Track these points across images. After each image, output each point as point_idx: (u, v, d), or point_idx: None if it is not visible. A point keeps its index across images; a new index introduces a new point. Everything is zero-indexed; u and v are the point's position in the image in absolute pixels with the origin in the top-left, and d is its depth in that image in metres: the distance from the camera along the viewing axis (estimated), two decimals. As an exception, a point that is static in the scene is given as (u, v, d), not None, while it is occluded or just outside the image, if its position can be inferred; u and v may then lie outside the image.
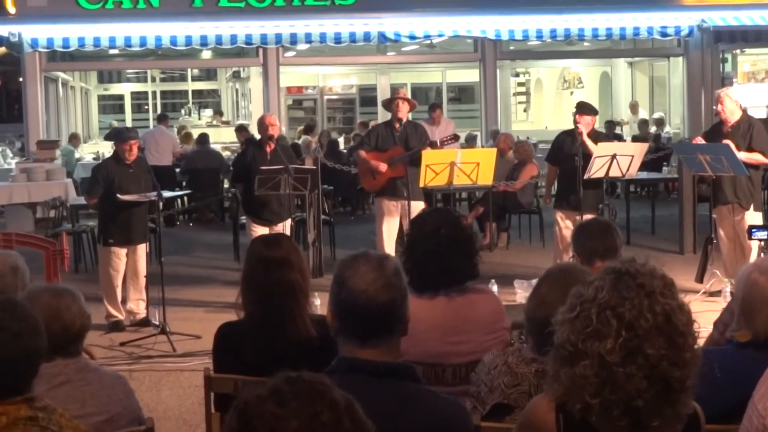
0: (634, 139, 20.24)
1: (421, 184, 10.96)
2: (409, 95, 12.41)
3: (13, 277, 4.69)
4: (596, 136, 11.58)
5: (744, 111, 11.17)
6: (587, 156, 11.10)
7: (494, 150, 12.08)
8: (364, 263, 3.28)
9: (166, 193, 11.07)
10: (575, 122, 11.47)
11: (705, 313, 7.60)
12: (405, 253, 4.78)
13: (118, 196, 10.33)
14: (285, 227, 11.28)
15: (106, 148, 22.25)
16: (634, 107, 25.19)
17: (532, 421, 2.99)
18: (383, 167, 11.32)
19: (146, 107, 30.78)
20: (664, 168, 17.94)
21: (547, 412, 2.91)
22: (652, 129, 22.58)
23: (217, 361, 4.75)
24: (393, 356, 3.30)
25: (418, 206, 11.25)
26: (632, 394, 2.67)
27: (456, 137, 12.77)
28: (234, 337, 4.70)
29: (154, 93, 30.81)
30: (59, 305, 3.94)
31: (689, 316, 2.77)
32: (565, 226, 11.45)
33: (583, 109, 11.73)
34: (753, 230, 8.91)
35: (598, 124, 24.00)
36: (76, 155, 21.58)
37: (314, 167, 12.39)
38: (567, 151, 11.55)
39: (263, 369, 4.36)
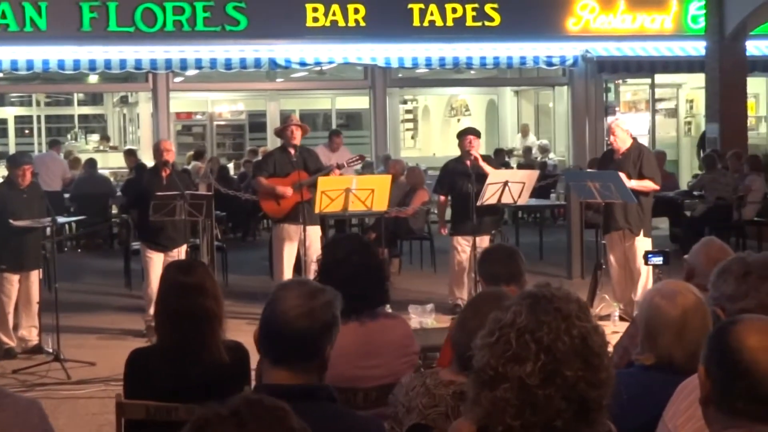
0: (520, 166, 20.59)
1: (317, 210, 11.05)
2: (298, 120, 12.53)
3: None
4: (486, 159, 11.82)
5: (634, 139, 11.57)
6: (482, 177, 11.31)
7: (389, 177, 12.22)
8: (296, 288, 3.42)
9: (61, 219, 10.97)
10: (466, 147, 11.63)
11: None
12: (317, 278, 4.87)
13: (11, 221, 10.21)
14: (180, 253, 11.26)
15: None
16: (524, 130, 25.58)
17: None
18: (289, 191, 11.38)
19: (30, 132, 30.25)
20: (552, 195, 18.28)
21: None
22: (538, 156, 22.99)
23: (129, 386, 4.76)
24: (308, 380, 3.39)
25: (314, 231, 11.35)
26: (552, 415, 2.76)
27: (362, 157, 12.95)
28: (146, 362, 4.73)
29: (38, 117, 30.31)
30: None
31: (603, 338, 2.89)
32: (462, 250, 11.64)
33: (474, 132, 11.96)
34: (649, 255, 9.15)
35: (487, 150, 24.52)
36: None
37: (210, 193, 12.39)
38: (459, 178, 11.72)
39: (176, 395, 4.44)
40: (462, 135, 11.83)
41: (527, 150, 23.26)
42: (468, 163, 11.56)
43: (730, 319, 3.25)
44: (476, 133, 11.90)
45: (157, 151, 11.46)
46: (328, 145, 17.31)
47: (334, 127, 26.91)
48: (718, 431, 2.87)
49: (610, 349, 2.95)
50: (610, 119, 19.65)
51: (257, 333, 3.46)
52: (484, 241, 11.45)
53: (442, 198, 12.08)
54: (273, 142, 19.41)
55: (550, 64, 21.53)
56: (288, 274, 11.45)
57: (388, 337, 4.83)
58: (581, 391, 2.77)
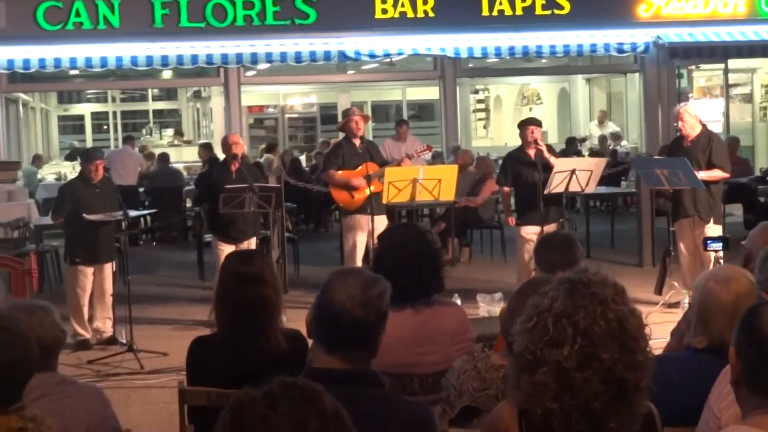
0: (592, 154, 20.50)
1: (384, 201, 11.11)
2: (369, 113, 12.60)
3: None
4: (549, 149, 11.81)
5: (704, 126, 11.45)
6: (547, 167, 11.29)
7: (456, 166, 12.25)
8: (353, 278, 3.50)
9: (132, 213, 11.18)
10: (528, 137, 11.60)
11: (664, 324, 7.78)
12: (373, 267, 4.95)
13: (84, 215, 10.43)
14: (250, 245, 11.40)
15: (68, 169, 22.31)
16: (601, 117, 25.36)
17: (497, 426, 3.14)
18: (363, 183, 11.44)
19: (107, 127, 30.74)
20: (623, 182, 18.19)
21: (511, 418, 3.06)
22: (610, 144, 22.86)
23: (190, 374, 4.88)
24: (359, 365, 3.48)
25: (381, 220, 11.42)
26: (590, 397, 2.82)
27: (430, 148, 13.00)
28: (207, 350, 4.84)
29: (114, 113, 30.76)
30: (32, 320, 4.04)
31: (640, 321, 2.93)
32: (529, 239, 11.63)
33: (536, 122, 11.93)
34: (708, 242, 9.11)
35: (559, 140, 24.45)
36: (39, 176, 21.59)
37: (278, 185, 12.52)
38: (523, 168, 11.71)
39: (236, 382, 4.51)
40: (523, 125, 11.80)
41: (603, 139, 23.09)
42: (531, 152, 11.54)
43: (760, 302, 3.28)
44: (538, 123, 11.88)
45: (226, 144, 11.63)
46: (394, 135, 17.37)
47: (405, 117, 26.99)
48: (749, 412, 2.90)
49: (648, 332, 2.97)
50: (688, 103, 19.50)
51: (309, 317, 3.54)
52: (550, 230, 11.43)
53: (506, 188, 12.06)
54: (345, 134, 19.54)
55: (621, 51, 21.39)
56: (359, 263, 11.55)
57: (443, 324, 4.90)
58: (618, 373, 2.82)
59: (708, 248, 9.13)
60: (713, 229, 11.07)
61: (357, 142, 11.75)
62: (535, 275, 4.83)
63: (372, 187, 11.30)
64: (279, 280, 4.94)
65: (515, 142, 12.31)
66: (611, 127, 24.78)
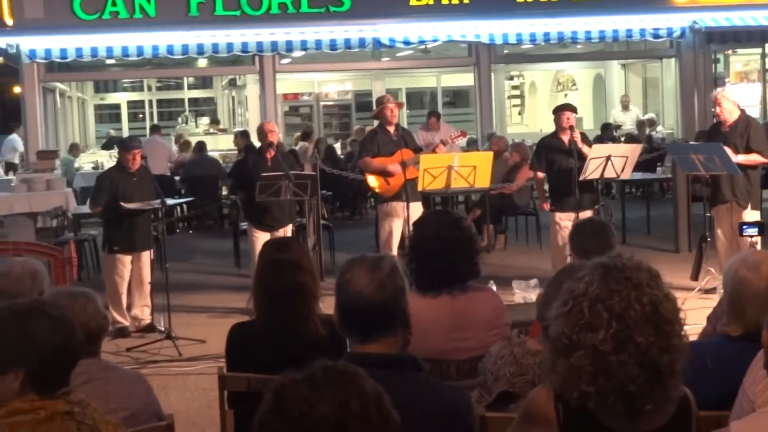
0: (630, 139, 20.44)
1: (420, 188, 11.13)
2: (403, 100, 12.63)
3: (32, 282, 4.84)
4: (582, 137, 11.79)
5: (742, 111, 11.38)
6: (581, 156, 11.30)
7: (491, 153, 12.24)
8: (358, 267, 3.53)
9: (169, 201, 11.26)
10: (563, 123, 11.59)
11: (701, 310, 7.77)
12: (409, 254, 4.99)
13: (122, 204, 10.52)
14: (286, 232, 11.45)
15: (105, 158, 22.47)
16: (624, 102, 25.31)
17: (533, 411, 3.17)
18: (399, 170, 11.47)
19: (142, 116, 30.92)
20: (658, 168, 18.12)
21: (547, 402, 3.09)
22: (646, 129, 22.78)
23: (230, 360, 4.94)
24: (396, 349, 3.52)
25: (416, 207, 11.45)
26: (625, 380, 2.85)
27: (464, 133, 13.00)
28: (246, 337, 4.90)
29: (150, 102, 30.98)
30: (75, 306, 4.10)
31: (675, 305, 2.96)
32: (564, 226, 11.63)
33: (571, 108, 11.92)
34: (744, 227, 9.10)
35: (594, 126, 24.38)
36: (76, 165, 21.75)
37: (314, 173, 12.57)
38: (557, 154, 11.70)
39: (275, 368, 4.56)
40: (559, 111, 11.79)
41: (640, 124, 22.97)
42: (566, 138, 11.54)
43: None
44: (573, 109, 11.87)
45: (261, 132, 11.69)
46: (424, 125, 17.37)
47: (440, 104, 27.03)
48: (781, 396, 2.93)
49: (683, 316, 3.00)
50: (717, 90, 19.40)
51: (336, 317, 3.59)
52: (586, 216, 11.41)
53: (540, 174, 12.06)
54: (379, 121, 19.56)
55: (657, 36, 21.32)
56: (394, 250, 11.58)
57: (479, 310, 4.93)
58: (653, 356, 2.84)
59: (743, 233, 9.12)
60: (751, 215, 11.01)
61: (391, 129, 11.77)
62: (571, 261, 4.84)
63: (407, 174, 11.33)
64: (316, 267, 4.99)
65: (550, 128, 12.30)
66: (635, 112, 24.71)
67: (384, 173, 11.62)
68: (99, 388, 4.03)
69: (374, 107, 12.66)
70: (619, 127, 23.83)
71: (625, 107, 25.07)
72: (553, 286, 4.00)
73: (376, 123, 12.42)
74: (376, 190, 12.03)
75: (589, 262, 3.63)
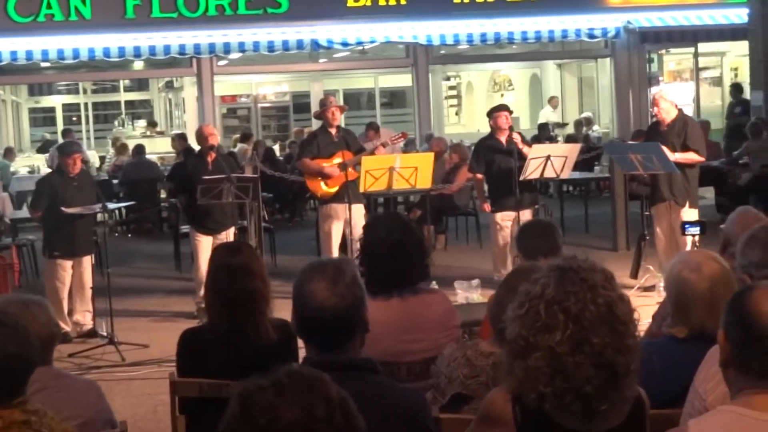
0: (568, 139, 20.62)
1: (361, 189, 11.16)
2: (341, 102, 12.67)
3: None
4: (523, 140, 11.90)
5: (680, 110, 11.57)
6: (521, 156, 11.43)
7: (432, 154, 12.32)
8: (319, 278, 3.51)
9: (110, 205, 11.19)
10: (501, 124, 11.72)
11: (641, 308, 7.86)
12: (359, 257, 5.02)
13: (63, 209, 10.44)
14: (229, 235, 11.43)
15: (40, 161, 22.24)
16: (554, 103, 25.57)
17: (491, 413, 3.20)
18: (337, 172, 11.51)
19: (77, 119, 30.61)
20: (596, 167, 18.31)
21: (504, 404, 3.12)
22: (583, 129, 23.00)
23: (181, 365, 4.93)
24: (354, 353, 3.54)
25: (359, 209, 11.49)
26: (582, 381, 2.88)
27: (405, 135, 13.06)
28: (197, 342, 4.90)
29: (86, 105, 30.66)
30: (27, 314, 4.07)
31: (629, 306, 3.01)
32: (504, 226, 11.73)
33: (508, 108, 12.06)
34: (686, 225, 9.23)
35: (531, 125, 24.58)
36: (11, 169, 21.50)
37: (256, 175, 12.55)
38: (495, 155, 11.81)
39: (227, 373, 4.60)
40: (495, 112, 11.91)
41: (578, 124, 23.16)
42: (503, 139, 11.66)
43: (748, 284, 3.37)
44: (509, 109, 12.02)
45: (201, 136, 11.64)
46: (362, 136, 17.35)
47: (378, 105, 27.10)
48: (737, 392, 2.99)
49: (637, 316, 3.05)
50: (654, 90, 19.61)
51: (296, 327, 3.59)
52: (526, 216, 11.52)
53: (479, 175, 12.16)
54: (317, 123, 19.55)
55: (592, 36, 21.55)
56: (335, 252, 11.61)
57: (430, 311, 4.97)
58: (609, 357, 2.89)
59: (686, 232, 9.25)
60: (689, 213, 11.19)
61: (333, 131, 11.81)
62: (521, 264, 4.89)
63: (347, 176, 11.37)
64: (266, 272, 4.99)
65: (487, 128, 12.39)
66: (559, 111, 25.06)
67: (321, 175, 11.64)
68: (52, 396, 4.00)
69: (316, 108, 12.69)
70: (564, 125, 24.05)
71: (555, 107, 25.36)
72: (505, 287, 4.04)
73: (314, 125, 12.45)
74: (314, 192, 12.05)
75: (539, 264, 3.69)
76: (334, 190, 11.63)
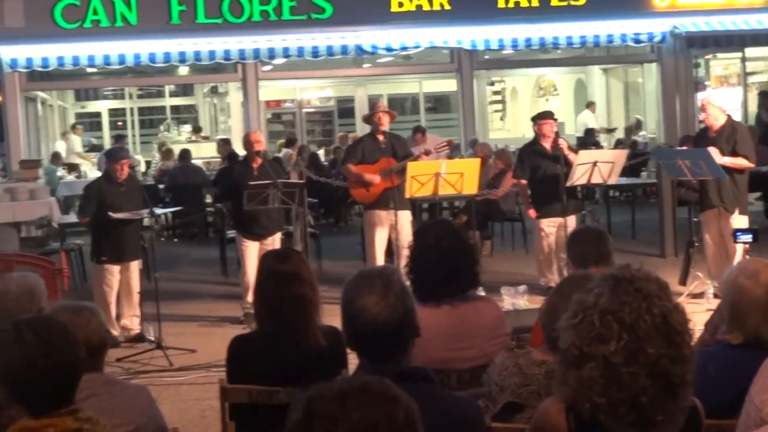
0: (617, 144, 20.53)
1: (407, 195, 11.17)
2: (386, 106, 12.68)
3: (30, 301, 4.83)
4: (569, 147, 11.85)
5: (728, 116, 11.46)
6: (566, 162, 11.38)
7: (478, 160, 12.30)
8: (369, 292, 3.49)
9: (158, 210, 11.25)
10: (546, 132, 11.69)
11: (691, 315, 7.81)
12: (409, 264, 5.01)
13: (110, 214, 10.50)
14: (275, 241, 11.45)
15: (87, 166, 22.42)
16: (591, 106, 25.42)
17: (545, 423, 3.18)
18: (377, 178, 11.53)
19: (123, 124, 30.84)
20: (643, 173, 18.20)
21: (558, 413, 3.10)
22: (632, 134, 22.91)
23: (231, 372, 4.93)
24: (407, 362, 3.53)
25: (405, 215, 11.48)
26: (637, 391, 2.86)
27: (450, 143, 13.05)
28: (247, 349, 4.90)
29: (131, 110, 30.90)
30: (78, 321, 4.10)
31: (684, 316, 2.98)
32: (549, 233, 11.68)
33: (552, 116, 12.01)
34: (738, 233, 9.16)
35: (575, 131, 24.46)
36: (59, 174, 21.69)
37: (302, 181, 12.57)
38: (540, 161, 11.76)
39: (276, 379, 4.61)
40: (540, 119, 11.87)
41: (628, 129, 23.04)
42: (547, 145, 11.62)
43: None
44: (552, 116, 11.98)
45: (248, 142, 11.66)
46: (410, 140, 17.33)
47: (422, 110, 27.10)
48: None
49: (692, 326, 3.02)
50: (700, 95, 19.47)
51: (347, 341, 3.57)
52: (571, 222, 11.47)
53: (523, 181, 12.11)
54: (362, 128, 19.59)
55: (638, 41, 21.40)
56: (380, 259, 11.62)
57: (480, 319, 4.96)
58: (664, 367, 2.86)
59: (738, 240, 9.17)
60: (739, 220, 11.08)
61: (380, 137, 11.82)
62: (573, 272, 4.86)
63: (387, 183, 11.38)
64: (315, 277, 4.99)
65: (532, 133, 12.35)
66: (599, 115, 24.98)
67: (362, 181, 11.66)
68: (103, 403, 4.02)
69: (361, 113, 12.73)
70: (612, 130, 23.90)
71: (593, 111, 25.24)
72: (557, 295, 4.02)
73: (359, 130, 12.47)
74: (355, 198, 12.08)
75: (591, 272, 3.66)
76: (374, 195, 11.64)
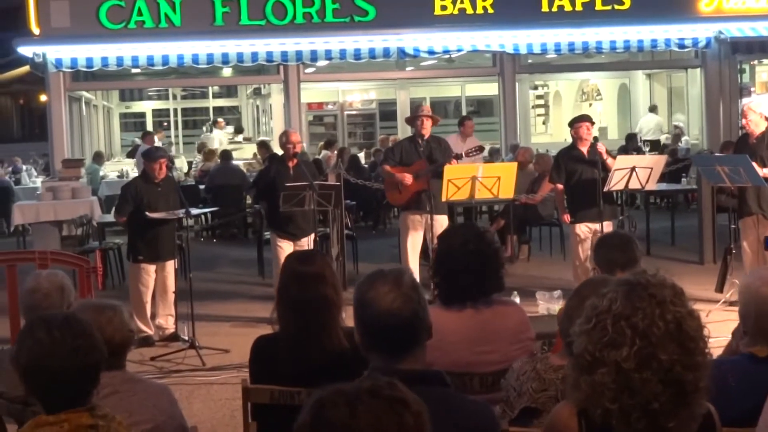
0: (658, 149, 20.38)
1: (444, 199, 11.17)
2: (430, 110, 12.67)
3: (60, 297, 4.89)
4: (607, 152, 11.76)
5: None
6: (604, 167, 11.30)
7: (515, 164, 12.28)
8: (381, 283, 3.49)
9: (194, 210, 11.29)
10: (583, 135, 11.59)
11: (726, 323, 7.74)
12: (434, 267, 5.00)
13: (147, 213, 10.57)
14: (309, 241, 11.47)
15: (129, 166, 22.58)
16: (654, 109, 25.22)
17: (557, 426, 3.16)
18: (409, 179, 11.54)
19: (167, 124, 31.04)
20: (683, 179, 18.07)
21: (570, 418, 3.08)
22: (665, 138, 22.74)
23: (254, 372, 4.94)
24: (421, 363, 3.51)
25: (441, 220, 11.48)
26: (649, 397, 2.83)
27: (481, 148, 13.02)
28: (270, 349, 4.89)
29: (175, 110, 31.08)
30: (100, 319, 4.13)
31: (699, 322, 2.94)
32: (585, 238, 11.61)
33: (590, 119, 11.90)
34: (768, 241, 9.09)
35: (619, 135, 24.33)
36: (101, 173, 21.85)
37: (338, 183, 12.60)
38: (577, 165, 11.68)
39: (299, 380, 4.61)
40: (577, 122, 11.77)
41: (675, 136, 22.90)
42: (584, 150, 11.53)
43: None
44: (590, 120, 11.87)
45: (282, 141, 11.70)
46: (459, 132, 17.24)
47: (464, 113, 27.01)
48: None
49: (707, 333, 2.99)
50: (744, 101, 19.29)
51: (359, 336, 3.55)
52: (608, 228, 11.39)
53: (559, 186, 12.03)
54: (403, 131, 19.58)
55: (682, 46, 21.28)
56: (414, 261, 11.62)
57: (504, 323, 4.93)
58: (677, 374, 2.83)
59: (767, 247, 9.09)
60: (778, 227, 10.99)
61: (420, 140, 11.83)
62: (592, 276, 4.83)
63: (417, 185, 11.40)
64: (339, 279, 4.99)
65: (573, 138, 12.27)
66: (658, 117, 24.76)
67: (394, 182, 11.69)
68: (123, 400, 4.05)
69: (403, 115, 12.75)
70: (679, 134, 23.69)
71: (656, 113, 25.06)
72: (574, 300, 3.99)
73: (401, 132, 12.48)
74: (389, 199, 12.12)
75: (610, 277, 3.63)
76: (406, 197, 11.67)
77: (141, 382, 4.34)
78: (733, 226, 11.63)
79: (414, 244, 11.71)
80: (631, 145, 21.34)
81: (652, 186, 11.68)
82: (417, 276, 9.82)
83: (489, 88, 24.92)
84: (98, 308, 4.26)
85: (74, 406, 3.34)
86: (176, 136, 30.12)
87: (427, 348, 3.55)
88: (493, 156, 19.53)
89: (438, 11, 20.48)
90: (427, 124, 11.88)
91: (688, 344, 2.87)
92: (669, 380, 2.83)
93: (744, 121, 11.40)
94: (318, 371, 4.58)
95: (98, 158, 22.63)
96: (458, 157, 11.88)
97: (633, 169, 11.18)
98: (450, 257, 4.92)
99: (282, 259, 11.04)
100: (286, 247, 11.28)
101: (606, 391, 2.87)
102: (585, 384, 2.93)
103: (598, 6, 20.79)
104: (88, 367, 3.39)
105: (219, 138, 25.98)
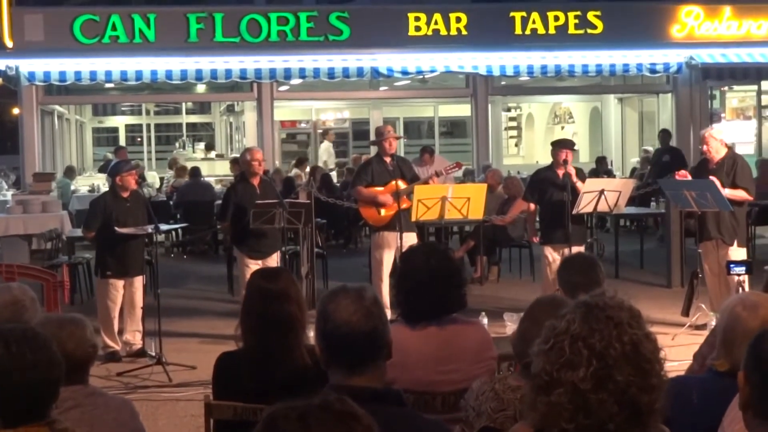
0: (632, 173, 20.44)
1: (413, 219, 11.20)
2: (401, 130, 12.72)
3: (34, 309, 4.87)
4: (577, 172, 11.82)
5: (729, 148, 11.45)
6: (573, 191, 11.37)
7: (485, 185, 12.33)
8: (343, 297, 3.53)
9: (163, 226, 11.27)
10: (561, 160, 11.64)
11: (691, 346, 7.78)
12: (396, 285, 5.02)
13: (116, 229, 10.54)
14: (276, 259, 11.47)
15: (101, 181, 22.49)
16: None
17: None
18: (390, 200, 11.54)
19: (140, 140, 30.99)
20: (652, 203, 18.17)
21: None
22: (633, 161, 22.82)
23: (217, 389, 4.95)
24: (380, 381, 3.52)
25: (410, 237, 11.48)
26: (604, 418, 2.85)
27: (459, 165, 13.06)
28: (233, 366, 4.90)
29: (148, 126, 31.02)
30: (61, 334, 4.11)
31: (655, 345, 2.97)
32: (554, 260, 11.65)
33: (571, 145, 11.98)
34: (731, 265, 9.14)
35: (590, 159, 24.45)
36: (72, 187, 21.78)
37: (308, 201, 12.60)
38: (550, 187, 11.75)
39: (262, 396, 4.60)
40: (558, 146, 11.83)
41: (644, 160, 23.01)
42: (560, 173, 11.58)
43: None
44: (571, 146, 11.94)
45: (245, 161, 11.74)
46: (417, 160, 17.30)
47: (437, 134, 27.14)
48: (756, 437, 2.95)
49: (663, 355, 3.02)
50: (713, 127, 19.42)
51: (319, 350, 3.58)
52: (576, 251, 11.45)
53: (532, 205, 12.09)
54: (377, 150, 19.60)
55: (653, 71, 21.47)
56: (385, 280, 11.62)
57: (466, 342, 4.95)
58: (633, 395, 2.85)
59: (731, 272, 9.16)
60: (737, 252, 11.07)
61: (388, 159, 11.85)
62: (541, 296, 4.85)
63: (404, 205, 11.38)
64: (303, 297, 5.01)
65: (546, 160, 12.35)
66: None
67: (375, 203, 11.68)
68: (85, 414, 4.04)
69: (373, 136, 12.73)
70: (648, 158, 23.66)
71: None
72: (527, 321, 4.03)
73: (373, 152, 12.48)
74: (368, 220, 12.09)
75: (560, 298, 3.65)
76: (387, 218, 11.65)
77: (103, 395, 4.33)
78: (700, 251, 11.70)
79: (387, 262, 11.71)
80: (601, 168, 21.46)
81: (620, 209, 11.76)
82: (388, 295, 9.92)
83: (462, 110, 25.00)
84: (60, 323, 4.25)
85: (33, 420, 3.33)
86: (149, 152, 30.06)
87: (388, 366, 3.58)
88: (467, 177, 19.59)
89: (412, 32, 20.59)
90: (395, 144, 11.98)
91: (644, 366, 2.89)
92: (625, 401, 2.85)
93: (704, 147, 11.46)
94: (281, 388, 4.58)
95: (70, 173, 22.55)
96: (438, 174, 11.94)
97: (602, 192, 11.26)
98: (412, 275, 4.93)
99: (248, 277, 11.13)
100: (252, 266, 11.25)
101: (563, 412, 2.89)
102: (542, 404, 2.94)
103: (571, 30, 20.95)
104: (46, 382, 3.38)
105: (327, 149, 26.29)
